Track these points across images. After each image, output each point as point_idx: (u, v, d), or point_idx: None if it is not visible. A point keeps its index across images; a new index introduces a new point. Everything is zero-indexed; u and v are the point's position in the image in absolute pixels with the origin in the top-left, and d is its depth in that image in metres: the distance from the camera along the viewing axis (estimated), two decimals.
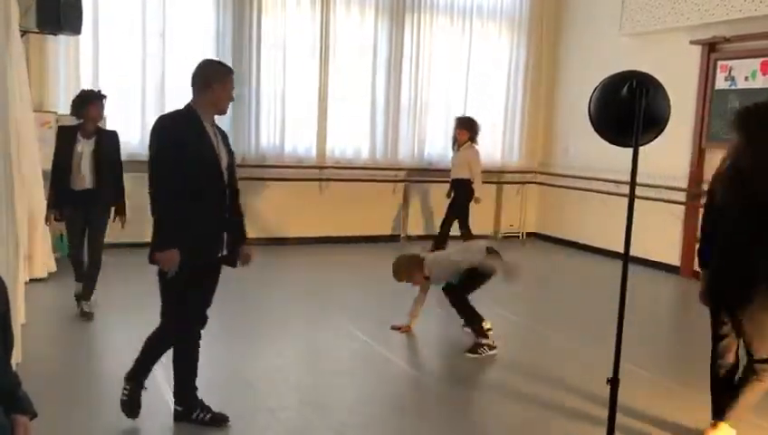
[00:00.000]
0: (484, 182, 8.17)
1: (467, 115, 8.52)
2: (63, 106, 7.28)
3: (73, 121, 5.39)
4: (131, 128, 7.73)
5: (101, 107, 5.29)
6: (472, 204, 8.12)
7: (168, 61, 7.86)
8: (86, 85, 7.46)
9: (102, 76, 7.55)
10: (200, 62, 3.43)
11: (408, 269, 5.10)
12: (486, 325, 4.98)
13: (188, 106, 3.37)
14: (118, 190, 5.36)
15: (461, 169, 8.04)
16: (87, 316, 5.28)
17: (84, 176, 5.20)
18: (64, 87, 7.37)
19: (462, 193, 8.09)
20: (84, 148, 5.21)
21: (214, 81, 3.32)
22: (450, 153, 8.40)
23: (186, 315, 3.44)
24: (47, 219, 5.54)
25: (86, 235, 5.37)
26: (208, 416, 3.55)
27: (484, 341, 4.90)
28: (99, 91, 5.39)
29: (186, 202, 3.25)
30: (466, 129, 8.08)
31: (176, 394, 3.60)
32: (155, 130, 3.33)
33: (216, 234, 3.45)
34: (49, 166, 5.35)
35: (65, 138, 5.28)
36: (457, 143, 8.15)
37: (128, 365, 3.51)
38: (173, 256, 3.23)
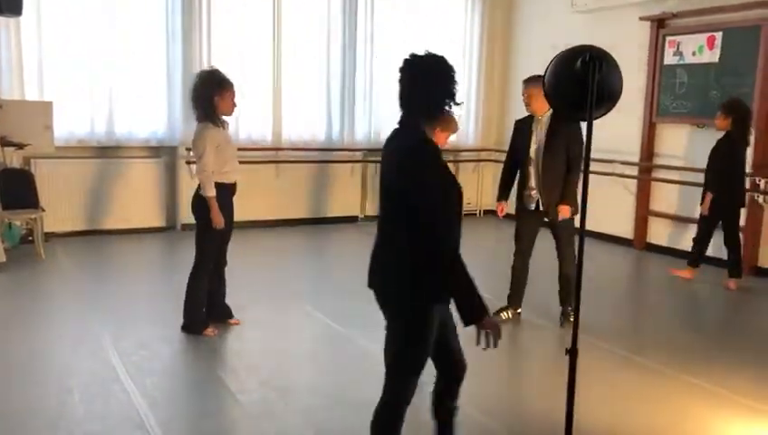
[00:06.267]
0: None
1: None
2: (6, 91, 7.05)
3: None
4: (80, 112, 7.55)
5: None
6: None
7: (116, 41, 7.63)
8: (30, 69, 7.25)
9: (47, 60, 7.31)
10: None
11: None
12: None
13: None
14: None
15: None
16: None
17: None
18: (6, 71, 7.11)
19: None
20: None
21: None
22: None
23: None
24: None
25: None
26: None
27: None
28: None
29: None
30: None
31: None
32: None
33: None
34: None
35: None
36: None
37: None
38: None
